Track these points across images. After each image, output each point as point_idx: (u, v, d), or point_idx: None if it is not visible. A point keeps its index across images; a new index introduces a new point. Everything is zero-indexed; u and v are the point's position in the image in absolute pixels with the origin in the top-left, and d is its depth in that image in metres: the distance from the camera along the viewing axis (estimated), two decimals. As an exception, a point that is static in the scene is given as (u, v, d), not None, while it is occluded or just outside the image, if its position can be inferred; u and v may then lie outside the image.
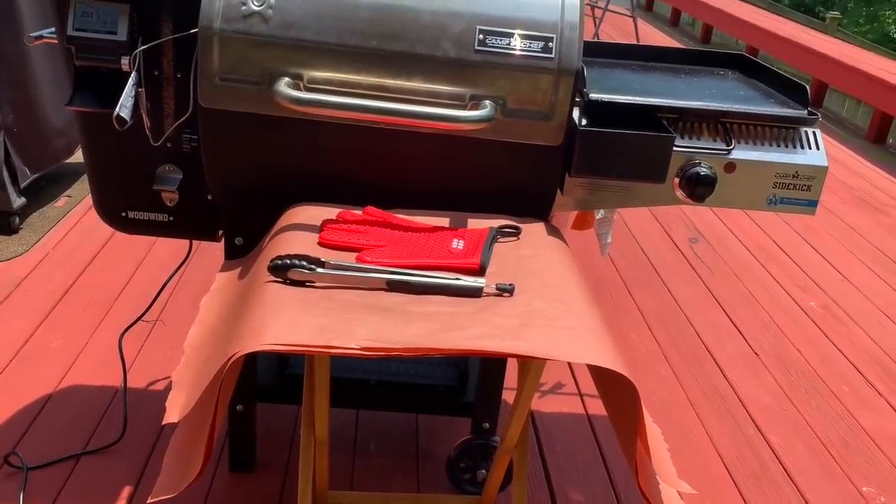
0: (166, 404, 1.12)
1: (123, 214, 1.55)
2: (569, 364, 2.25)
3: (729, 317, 2.65)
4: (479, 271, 1.20)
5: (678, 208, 3.53)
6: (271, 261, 1.13)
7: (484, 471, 1.67)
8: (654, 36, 7.88)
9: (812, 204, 1.45)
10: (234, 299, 1.23)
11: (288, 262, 1.12)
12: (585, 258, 2.85)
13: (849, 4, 18.63)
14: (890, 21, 18.10)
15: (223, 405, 1.10)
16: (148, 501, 1.10)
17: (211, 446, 1.03)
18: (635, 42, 6.62)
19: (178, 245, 1.85)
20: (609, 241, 1.93)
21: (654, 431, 1.15)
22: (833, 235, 3.45)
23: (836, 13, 12.16)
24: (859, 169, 4.46)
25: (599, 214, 1.82)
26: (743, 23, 7.19)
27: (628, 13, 6.53)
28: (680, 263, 3.02)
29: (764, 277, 2.97)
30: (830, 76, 5.74)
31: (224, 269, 1.42)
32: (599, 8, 6.35)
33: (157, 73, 1.42)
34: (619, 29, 7.24)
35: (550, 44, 1.32)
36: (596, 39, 6.35)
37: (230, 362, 0.96)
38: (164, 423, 1.10)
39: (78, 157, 3.15)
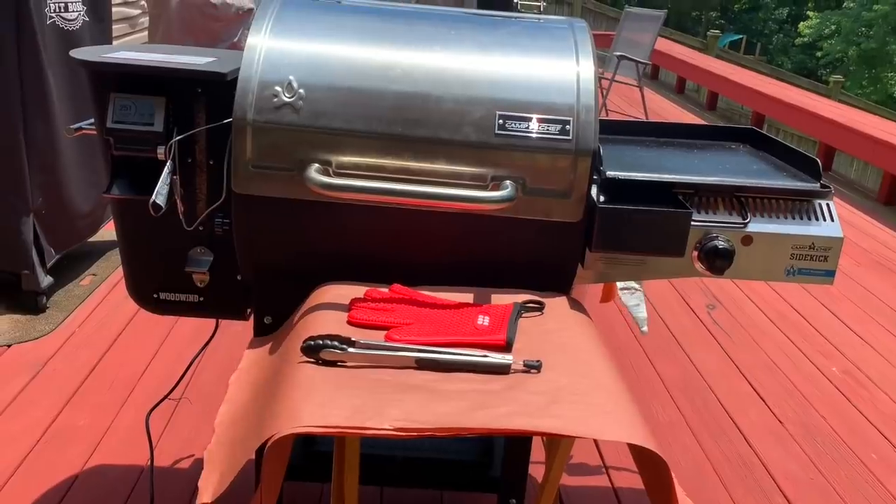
0: (199, 483, 1.14)
1: (155, 296, 1.59)
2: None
3: (751, 384, 2.64)
4: (506, 347, 1.22)
5: (694, 275, 3.54)
6: (304, 342, 1.16)
7: (512, 548, 1.65)
8: (661, 104, 8.04)
9: (830, 274, 1.47)
10: (265, 378, 1.25)
11: (321, 342, 1.15)
12: (606, 328, 2.85)
13: (851, 67, 18.94)
14: (893, 83, 18.35)
15: (276, 486, 1.12)
16: None
17: None
18: (643, 109, 6.76)
19: (201, 323, 1.88)
20: (644, 315, 1.95)
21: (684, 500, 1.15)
22: (851, 299, 3.45)
23: (838, 76, 12.38)
24: (872, 231, 4.48)
25: (622, 285, 1.84)
26: (747, 89, 7.33)
27: (635, 83, 6.69)
28: (699, 331, 3.03)
29: (784, 343, 2.97)
30: (837, 140, 5.81)
31: (252, 345, 1.45)
32: (606, 79, 6.52)
33: (190, 160, 1.48)
34: (627, 98, 7.40)
35: (568, 126, 1.37)
36: (603, 108, 6.49)
37: (269, 443, 0.98)
38: (198, 502, 1.11)
39: (101, 235, 3.23)
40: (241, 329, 1.54)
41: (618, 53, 6.57)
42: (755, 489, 2.09)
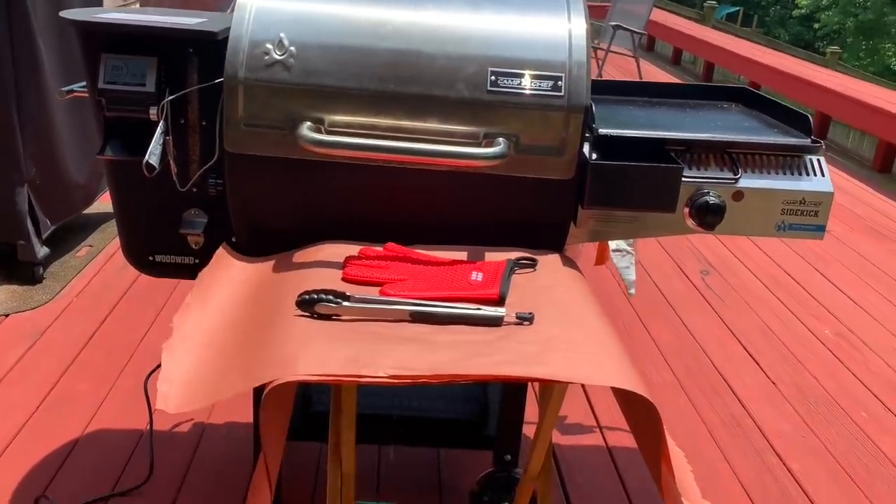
0: (158, 386, 1.09)
1: (150, 258, 1.60)
2: (587, 398, 2.27)
3: (744, 347, 2.67)
4: (499, 301, 1.23)
5: (688, 242, 3.56)
6: (299, 296, 1.17)
7: (507, 503, 1.68)
8: (657, 75, 8.01)
9: (820, 229, 1.48)
10: (250, 319, 1.22)
11: (315, 296, 1.16)
12: (601, 292, 2.87)
13: (848, 39, 18.86)
14: (890, 54, 18.28)
15: (280, 440, 1.13)
16: None
17: (274, 481, 1.06)
18: (638, 80, 6.73)
19: (201, 288, 1.90)
20: (633, 277, 1.96)
21: (677, 454, 1.17)
22: (844, 264, 3.47)
23: (835, 47, 12.33)
24: (866, 198, 4.50)
25: (614, 246, 1.85)
26: (743, 59, 7.31)
27: (630, 53, 6.66)
28: (693, 296, 3.05)
29: (777, 307, 2.99)
30: (833, 109, 5.81)
31: (230, 253, 1.41)
32: (602, 49, 6.49)
33: (183, 121, 1.48)
34: (622, 69, 7.36)
35: (560, 82, 1.37)
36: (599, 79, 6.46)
37: (266, 392, 0.99)
38: (156, 405, 1.07)
39: (96, 207, 3.23)
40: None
41: (613, 23, 6.53)
42: (748, 448, 2.12)
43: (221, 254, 1.42)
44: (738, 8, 20.84)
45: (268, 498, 1.07)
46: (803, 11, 19.72)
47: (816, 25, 19.37)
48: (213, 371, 1.13)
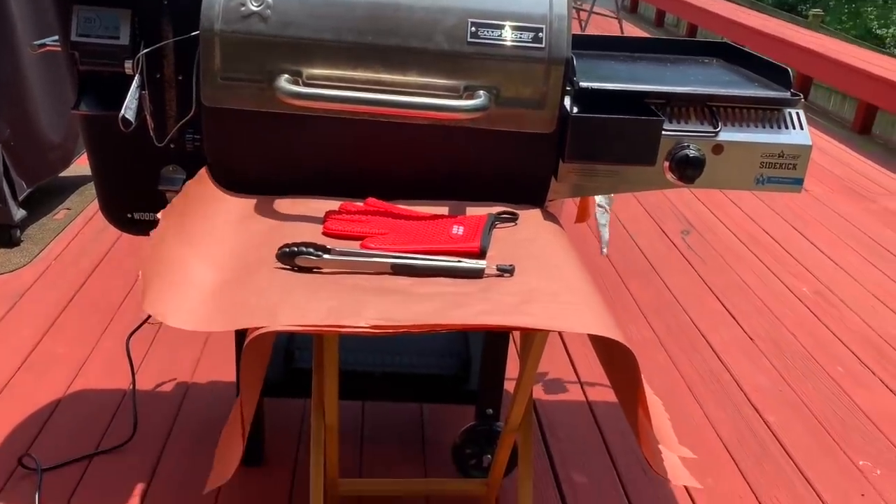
0: (143, 292, 1.06)
1: (129, 216, 1.59)
2: (568, 354, 2.29)
3: (723, 304, 2.70)
4: (480, 254, 1.24)
5: (669, 202, 3.58)
6: (279, 249, 1.16)
7: (489, 455, 1.71)
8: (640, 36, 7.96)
9: (798, 182, 1.49)
10: (233, 257, 1.20)
11: (296, 249, 1.16)
12: (583, 252, 2.89)
13: (831, 2, 18.83)
14: (872, 17, 18.29)
15: (257, 388, 1.13)
16: (204, 491, 1.13)
17: (247, 429, 1.07)
18: (621, 43, 6.69)
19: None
20: (607, 236, 1.98)
21: (654, 401, 1.19)
22: (823, 224, 3.50)
23: (818, 10, 12.31)
24: (846, 159, 4.53)
25: (599, 201, 1.86)
26: (726, 20, 7.28)
27: (613, 15, 6.62)
28: (673, 255, 3.07)
29: (756, 266, 3.02)
30: (814, 70, 5.82)
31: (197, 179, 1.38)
32: (584, 10, 6.44)
33: (159, 75, 1.46)
34: (605, 30, 7.31)
35: (540, 34, 1.36)
36: (582, 41, 6.42)
37: (248, 341, 0.99)
38: (144, 308, 1.05)
39: (73, 170, 3.19)
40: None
41: (596, -16, 6.48)
42: (726, 402, 2.16)
43: (203, 177, 1.38)
44: (721, -30, 20.70)
45: (240, 443, 1.08)
46: (786, -26, 19.63)
47: (800, -12, 19.30)
48: (193, 300, 1.10)
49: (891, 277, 3.01)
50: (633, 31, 7.92)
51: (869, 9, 18.39)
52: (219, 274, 1.17)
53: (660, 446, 1.15)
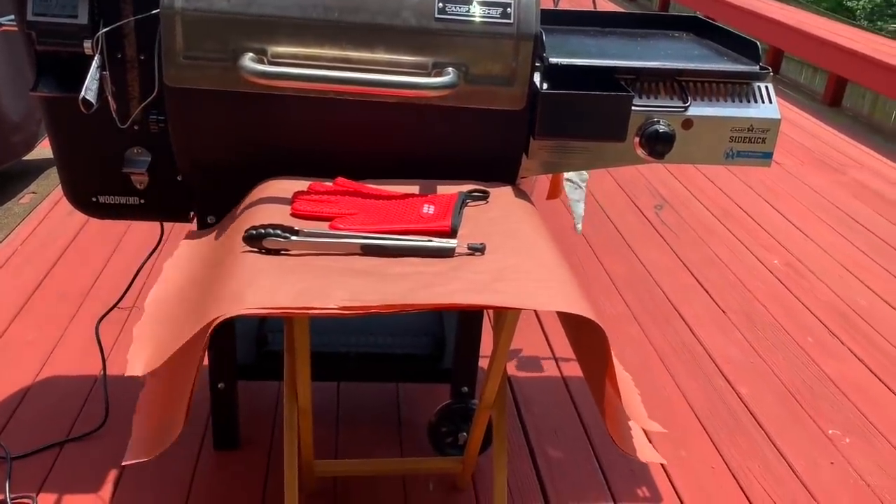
0: (128, 357, 1.12)
1: (94, 199, 1.56)
2: (543, 331, 2.30)
3: (696, 278, 2.72)
4: (451, 233, 1.23)
5: (643, 177, 3.59)
6: (246, 231, 1.15)
7: (465, 433, 1.71)
8: (612, 8, 7.94)
9: (767, 156, 1.50)
10: (205, 266, 1.24)
11: (262, 231, 1.14)
12: (554, 229, 2.89)
13: (802, -26, 18.88)
14: (843, -11, 18.37)
15: (195, 367, 1.12)
16: (123, 463, 1.11)
17: (190, 407, 1.06)
18: (594, 17, 6.66)
19: (150, 234, 1.86)
20: (581, 212, 1.98)
21: (624, 377, 1.20)
22: (794, 196, 3.54)
23: (789, -18, 12.34)
24: (817, 131, 4.56)
25: (569, 176, 1.86)
26: (699, -6, 7.28)
27: (586, -11, 6.58)
28: (646, 229, 3.08)
29: (728, 239, 3.05)
30: (785, 43, 5.84)
31: (190, 237, 1.42)
32: (557, -16, 6.40)
33: (120, 55, 1.42)
34: (578, 5, 7.27)
35: (509, 9, 1.35)
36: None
37: (213, 325, 0.98)
38: (127, 373, 1.10)
39: (38, 153, 3.12)
40: (189, 233, 1.52)
41: (568, -43, 6.43)
42: (698, 373, 2.18)
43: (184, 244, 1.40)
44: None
45: (187, 415, 1.06)
46: (758, -54, 19.64)
47: (771, -40, 19.35)
48: (172, 323, 1.12)
49: (859, 248, 3.06)
50: (605, 5, 7.89)
51: (840, -19, 18.49)
52: (195, 288, 1.18)
53: (629, 423, 1.16)
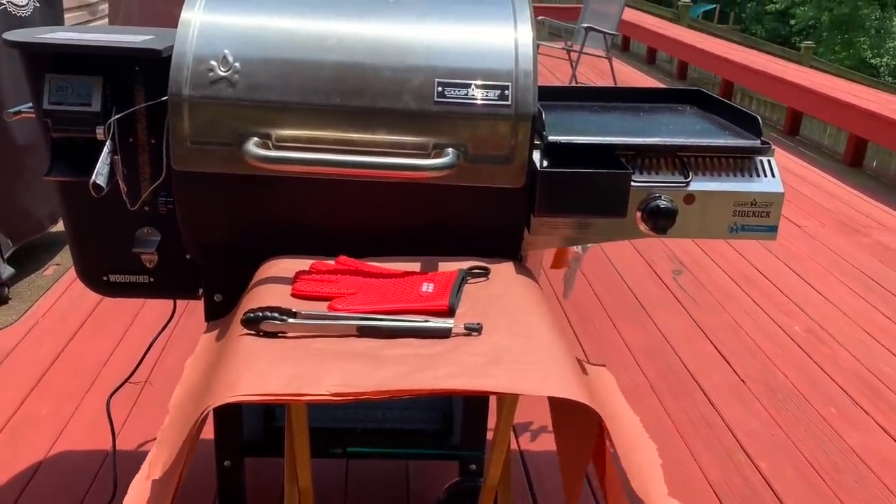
0: (147, 461, 1.14)
1: (105, 278, 1.59)
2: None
3: (715, 346, 2.68)
4: (449, 312, 1.23)
5: (661, 242, 3.57)
6: (244, 314, 1.16)
7: (473, 512, 1.68)
8: (631, 75, 8.05)
9: (772, 230, 1.49)
10: (214, 354, 1.26)
11: (260, 314, 1.15)
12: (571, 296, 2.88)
13: (823, 33, 19.03)
14: (865, 47, 18.47)
15: (190, 455, 1.13)
16: None
17: (177, 494, 1.06)
18: (612, 82, 6.76)
19: (166, 307, 1.89)
20: (573, 285, 1.99)
21: (649, 447, 1.17)
22: (815, 259, 3.49)
23: (810, 42, 12.45)
24: (838, 192, 4.53)
25: (576, 249, 1.86)
26: (716, 57, 7.36)
27: (603, 54, 6.69)
28: (664, 295, 3.06)
29: (748, 305, 3.01)
30: (804, 104, 5.86)
31: (208, 329, 1.45)
32: (575, 51, 6.51)
33: (131, 140, 1.47)
34: (596, 70, 7.40)
35: (506, 91, 1.37)
36: (573, 82, 6.49)
37: (202, 415, 0.98)
38: (146, 479, 1.11)
39: (62, 225, 3.20)
40: (202, 310, 1.54)
41: (585, 25, 6.56)
42: (717, 446, 2.13)
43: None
44: (713, 6, 20.98)
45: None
46: (779, 7, 19.88)
47: (792, 21, 19.55)
48: (185, 417, 1.13)
49: (883, 312, 2.99)
50: (624, 69, 8.00)
51: (862, 39, 18.58)
52: (201, 374, 1.19)
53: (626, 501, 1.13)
